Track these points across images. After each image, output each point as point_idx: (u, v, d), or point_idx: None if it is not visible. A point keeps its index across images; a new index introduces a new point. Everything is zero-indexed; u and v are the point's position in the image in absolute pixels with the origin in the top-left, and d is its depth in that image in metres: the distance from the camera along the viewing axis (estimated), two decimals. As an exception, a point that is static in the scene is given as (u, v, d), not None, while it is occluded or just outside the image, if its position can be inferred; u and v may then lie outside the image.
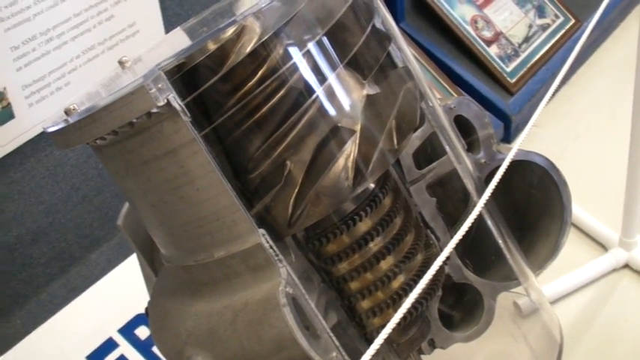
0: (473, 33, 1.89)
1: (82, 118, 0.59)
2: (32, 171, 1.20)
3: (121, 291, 1.27)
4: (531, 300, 0.80)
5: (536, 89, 1.91)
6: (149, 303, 0.73)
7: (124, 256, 1.32)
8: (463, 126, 0.79)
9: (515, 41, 1.95)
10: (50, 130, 0.61)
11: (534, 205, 0.84)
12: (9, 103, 1.11)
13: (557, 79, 0.80)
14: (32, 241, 1.23)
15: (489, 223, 0.76)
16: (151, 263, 0.80)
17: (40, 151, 1.19)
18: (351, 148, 0.63)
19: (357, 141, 0.64)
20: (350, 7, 0.66)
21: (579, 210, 1.66)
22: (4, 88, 1.10)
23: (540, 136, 1.92)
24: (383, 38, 0.71)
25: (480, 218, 0.75)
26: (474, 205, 0.66)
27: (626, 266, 1.55)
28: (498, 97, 1.84)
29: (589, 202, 1.69)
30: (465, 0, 1.92)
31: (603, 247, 1.59)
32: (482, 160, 0.78)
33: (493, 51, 1.90)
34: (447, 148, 0.75)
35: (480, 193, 0.68)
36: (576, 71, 2.11)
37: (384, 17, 0.71)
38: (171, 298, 0.67)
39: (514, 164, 0.77)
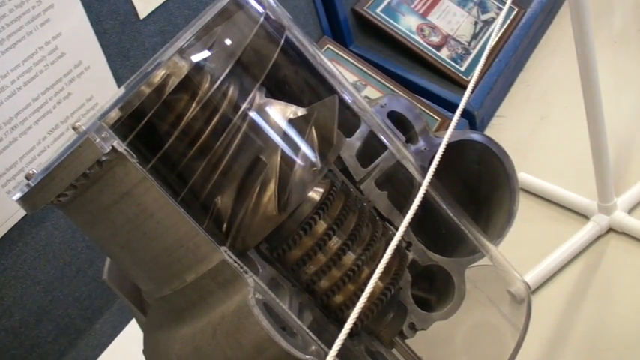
0: (421, 41, 1.95)
1: (41, 179, 0.64)
2: (22, 255, 1.24)
3: (131, 354, 1.31)
4: (497, 268, 0.84)
5: (493, 81, 1.96)
6: (143, 342, 0.78)
7: (127, 319, 1.35)
8: (399, 125, 0.85)
9: (464, 40, 2.01)
10: (16, 196, 0.66)
11: (483, 180, 0.88)
12: (-13, 195, 1.16)
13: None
14: (36, 322, 1.27)
15: (439, 202, 0.80)
16: (141, 308, 0.85)
17: (26, 235, 1.23)
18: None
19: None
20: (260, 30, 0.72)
21: (554, 187, 1.71)
22: (-20, 181, 1.14)
23: (506, 125, 1.97)
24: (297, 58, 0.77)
25: (430, 199, 0.80)
26: (420, 187, 0.72)
27: (610, 230, 1.59)
28: (458, 96, 1.87)
29: (563, 178, 1.74)
30: (408, 11, 1.97)
31: (585, 217, 1.64)
32: (423, 148, 0.83)
33: (444, 54, 1.96)
34: (386, 143, 0.80)
35: (424, 178, 0.73)
36: (529, 57, 2.17)
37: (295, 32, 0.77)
38: (159, 330, 0.71)
39: (454, 146, 0.82)
